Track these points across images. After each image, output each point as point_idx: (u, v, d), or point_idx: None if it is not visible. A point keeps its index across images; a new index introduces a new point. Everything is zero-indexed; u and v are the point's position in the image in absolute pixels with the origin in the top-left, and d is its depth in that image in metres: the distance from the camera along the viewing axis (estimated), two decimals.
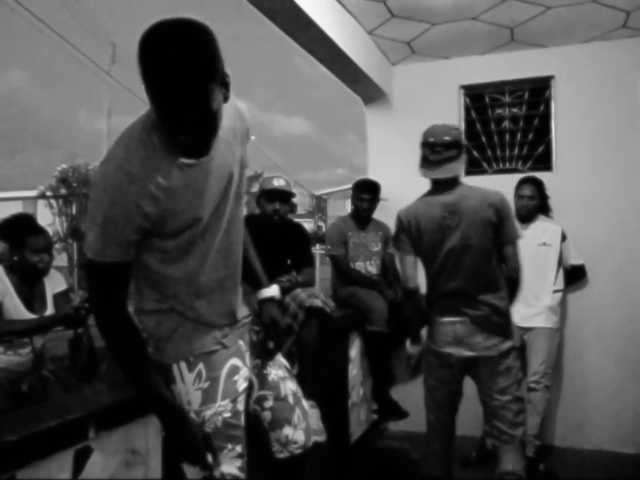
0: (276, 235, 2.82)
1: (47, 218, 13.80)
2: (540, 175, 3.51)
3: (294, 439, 1.61)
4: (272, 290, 1.67)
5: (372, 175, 3.79)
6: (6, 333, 2.39)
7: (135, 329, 1.37)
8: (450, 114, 3.89)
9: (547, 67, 3.70)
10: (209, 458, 1.39)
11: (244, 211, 1.56)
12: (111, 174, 1.22)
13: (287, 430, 1.61)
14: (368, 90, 3.87)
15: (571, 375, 3.57)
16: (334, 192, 32.12)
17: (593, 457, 3.41)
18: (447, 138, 2.28)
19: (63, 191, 15.44)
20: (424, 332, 2.55)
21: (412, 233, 2.38)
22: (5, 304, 2.43)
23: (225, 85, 1.20)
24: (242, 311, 1.57)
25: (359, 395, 3.47)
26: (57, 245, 13.58)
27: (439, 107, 3.88)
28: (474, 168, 3.95)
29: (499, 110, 3.91)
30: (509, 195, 3.43)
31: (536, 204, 3.37)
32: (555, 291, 3.35)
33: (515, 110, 3.87)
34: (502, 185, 3.53)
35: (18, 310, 2.46)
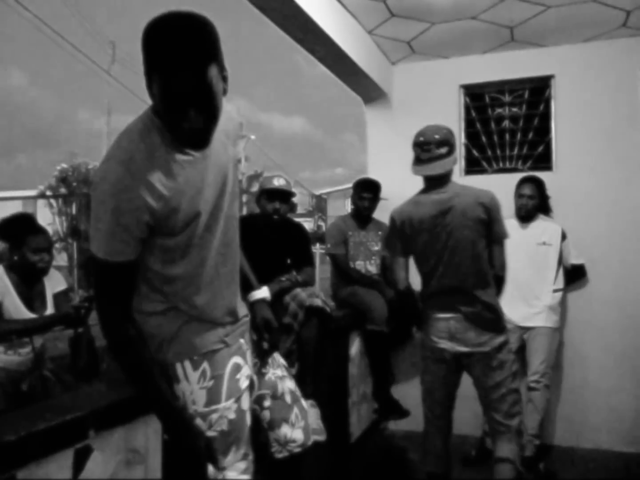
0: (276, 234, 2.82)
1: (47, 217, 13.81)
2: (540, 174, 3.51)
3: (292, 437, 1.62)
4: (263, 292, 1.71)
5: (372, 174, 3.80)
6: (6, 332, 2.39)
7: (141, 333, 1.37)
8: (450, 114, 3.89)
9: (547, 67, 3.70)
10: (210, 469, 1.39)
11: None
12: (115, 171, 1.23)
13: (285, 429, 1.62)
14: (368, 90, 3.87)
15: (571, 375, 3.58)
16: (334, 192, 32.16)
17: (593, 457, 3.41)
18: (437, 136, 2.35)
19: (63, 191, 15.44)
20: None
21: (405, 232, 2.45)
22: (5, 304, 2.43)
23: (224, 78, 1.24)
24: (242, 310, 1.58)
25: (359, 394, 3.47)
26: (57, 245, 13.60)
27: (439, 107, 3.88)
28: (473, 167, 3.95)
29: (499, 110, 3.90)
30: (510, 195, 3.45)
31: (536, 204, 3.37)
32: (556, 290, 3.35)
33: (515, 109, 3.87)
34: (502, 185, 3.55)
35: (18, 309, 2.46)
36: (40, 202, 16.74)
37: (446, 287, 2.37)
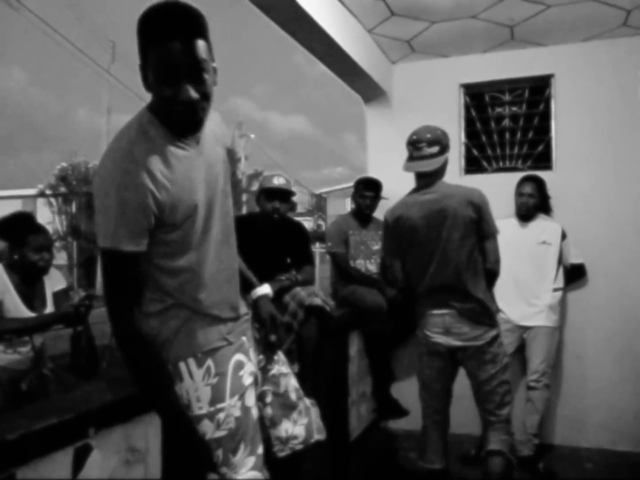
0: (276, 233, 2.82)
1: (46, 216, 13.81)
2: (539, 174, 3.51)
3: (293, 434, 1.63)
4: (265, 288, 1.74)
5: (371, 173, 3.79)
6: (6, 331, 2.39)
7: (147, 334, 1.37)
8: (450, 113, 3.89)
9: (547, 66, 3.70)
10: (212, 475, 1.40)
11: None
12: (117, 163, 1.26)
13: (286, 425, 1.63)
14: (368, 89, 3.87)
15: (571, 374, 3.58)
16: (334, 191, 32.14)
17: (592, 456, 3.41)
18: (428, 135, 2.42)
19: (63, 189, 15.45)
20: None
21: (398, 233, 2.51)
22: (5, 303, 2.43)
23: (213, 69, 1.32)
24: (243, 307, 1.60)
25: (359, 393, 3.47)
26: (56, 244, 13.60)
27: (439, 106, 3.88)
28: (473, 167, 3.95)
29: (498, 109, 3.90)
30: (510, 194, 3.45)
31: (536, 203, 3.37)
32: (555, 290, 3.35)
33: (515, 108, 3.87)
34: (502, 184, 3.57)
35: (18, 308, 2.46)
36: (40, 201, 16.73)
37: (440, 286, 2.43)
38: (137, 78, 1.33)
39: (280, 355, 1.72)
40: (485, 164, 3.93)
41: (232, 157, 20.93)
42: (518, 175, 3.51)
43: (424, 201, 2.43)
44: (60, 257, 14.06)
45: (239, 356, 1.49)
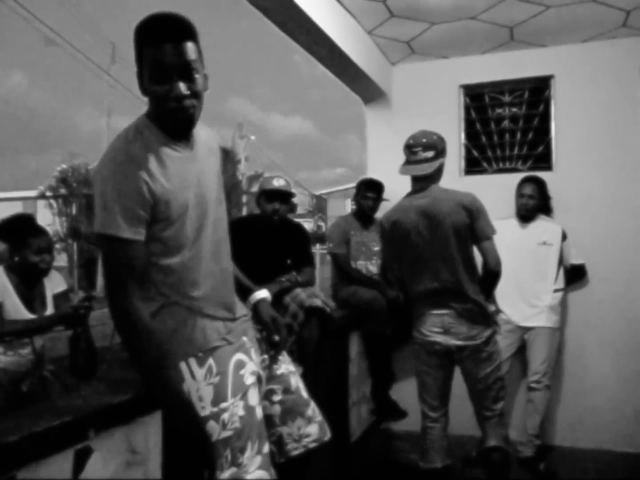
0: (276, 235, 2.82)
1: (47, 218, 13.81)
2: (539, 174, 3.51)
3: (307, 432, 1.65)
4: (263, 292, 1.79)
5: (371, 174, 3.79)
6: (6, 333, 2.39)
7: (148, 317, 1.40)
8: (450, 114, 3.89)
9: (547, 67, 3.70)
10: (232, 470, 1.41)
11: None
12: (117, 158, 1.36)
13: (299, 422, 1.64)
14: (368, 90, 3.87)
15: (571, 375, 3.57)
16: (334, 192, 32.15)
17: (593, 457, 3.41)
18: (424, 140, 2.48)
19: (63, 191, 15.46)
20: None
21: (394, 237, 2.58)
22: (5, 305, 2.42)
23: (204, 76, 1.42)
24: (241, 309, 1.62)
25: (359, 394, 3.47)
26: (57, 246, 13.59)
27: (439, 107, 3.88)
28: (473, 167, 3.95)
29: (498, 110, 3.90)
30: (509, 195, 3.46)
31: (536, 204, 3.37)
32: (556, 290, 3.35)
33: (514, 109, 3.87)
34: (502, 185, 3.57)
35: (18, 310, 2.45)
36: (41, 203, 16.75)
37: (437, 289, 2.49)
38: (136, 80, 1.42)
39: (285, 355, 1.75)
40: (485, 164, 3.93)
41: (232, 159, 20.92)
42: (518, 176, 3.52)
43: (418, 206, 2.49)
44: (61, 259, 14.07)
45: (239, 355, 1.50)
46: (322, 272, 11.53)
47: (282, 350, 1.73)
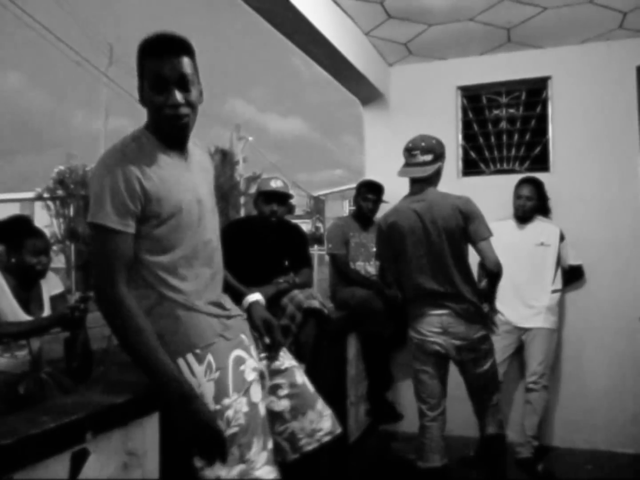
0: (274, 236, 2.82)
1: (44, 220, 13.80)
2: (537, 175, 3.52)
3: (319, 426, 1.65)
4: (255, 295, 1.79)
5: (369, 175, 3.80)
6: (3, 335, 2.38)
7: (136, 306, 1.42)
8: (448, 115, 3.89)
9: (544, 68, 3.71)
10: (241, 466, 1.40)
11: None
12: (111, 158, 1.44)
13: (311, 416, 1.65)
14: (365, 91, 3.87)
15: (569, 376, 3.58)
16: (332, 193, 32.15)
17: (591, 457, 3.41)
18: (423, 144, 2.55)
19: (60, 193, 15.46)
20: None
21: (391, 240, 2.64)
22: (1, 306, 2.41)
23: (200, 92, 1.53)
24: (235, 309, 1.64)
25: (357, 395, 3.47)
26: (54, 247, 13.58)
27: (436, 108, 3.89)
28: (471, 169, 3.95)
29: (496, 111, 3.91)
30: (507, 196, 3.46)
31: (534, 205, 3.38)
32: (554, 291, 3.35)
33: (512, 111, 3.88)
34: (500, 186, 3.58)
35: (15, 312, 2.44)
36: (38, 204, 16.74)
37: (433, 290, 2.54)
38: (134, 81, 1.51)
39: (286, 352, 1.76)
40: (482, 166, 3.94)
41: (230, 160, 20.92)
42: (516, 177, 3.52)
43: (415, 208, 2.55)
44: (58, 260, 14.06)
45: (238, 352, 1.52)
46: (320, 273, 11.53)
47: (277, 352, 1.71)
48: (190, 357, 1.45)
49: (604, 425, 3.49)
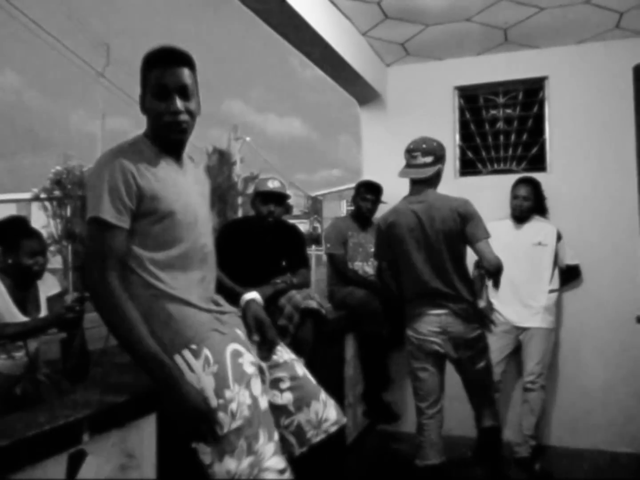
0: (271, 236, 2.82)
1: (41, 220, 13.77)
2: (534, 175, 3.52)
3: (325, 416, 1.66)
4: (252, 294, 1.80)
5: (367, 176, 3.80)
6: (0, 337, 2.37)
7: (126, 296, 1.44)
8: (445, 115, 3.90)
9: (541, 68, 3.71)
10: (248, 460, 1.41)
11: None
12: (109, 157, 1.49)
13: (316, 406, 1.66)
14: (362, 92, 3.87)
15: (566, 375, 3.58)
16: (329, 193, 32.14)
17: (588, 457, 3.42)
18: (424, 146, 2.59)
19: (57, 193, 15.42)
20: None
21: (390, 240, 2.68)
22: None
23: (197, 103, 1.60)
24: (228, 306, 1.66)
25: (355, 396, 3.47)
26: (51, 248, 13.55)
27: (433, 108, 3.89)
28: (468, 169, 3.96)
29: (493, 111, 3.91)
30: (504, 196, 3.47)
31: (530, 205, 3.38)
32: (551, 291, 3.36)
33: (509, 111, 3.88)
34: (497, 186, 3.58)
35: (11, 313, 2.44)
36: (35, 205, 16.70)
37: (431, 291, 2.57)
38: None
39: (284, 346, 1.77)
40: (480, 166, 3.94)
41: (227, 160, 20.92)
42: (513, 177, 3.53)
43: (413, 211, 2.58)
44: (55, 261, 14.01)
45: (234, 345, 1.53)
46: (318, 273, 11.53)
47: (270, 352, 1.71)
48: (186, 353, 1.46)
49: (601, 424, 3.50)
